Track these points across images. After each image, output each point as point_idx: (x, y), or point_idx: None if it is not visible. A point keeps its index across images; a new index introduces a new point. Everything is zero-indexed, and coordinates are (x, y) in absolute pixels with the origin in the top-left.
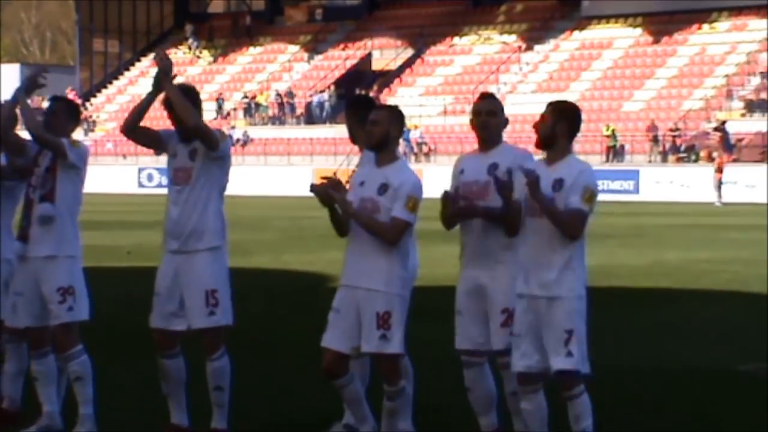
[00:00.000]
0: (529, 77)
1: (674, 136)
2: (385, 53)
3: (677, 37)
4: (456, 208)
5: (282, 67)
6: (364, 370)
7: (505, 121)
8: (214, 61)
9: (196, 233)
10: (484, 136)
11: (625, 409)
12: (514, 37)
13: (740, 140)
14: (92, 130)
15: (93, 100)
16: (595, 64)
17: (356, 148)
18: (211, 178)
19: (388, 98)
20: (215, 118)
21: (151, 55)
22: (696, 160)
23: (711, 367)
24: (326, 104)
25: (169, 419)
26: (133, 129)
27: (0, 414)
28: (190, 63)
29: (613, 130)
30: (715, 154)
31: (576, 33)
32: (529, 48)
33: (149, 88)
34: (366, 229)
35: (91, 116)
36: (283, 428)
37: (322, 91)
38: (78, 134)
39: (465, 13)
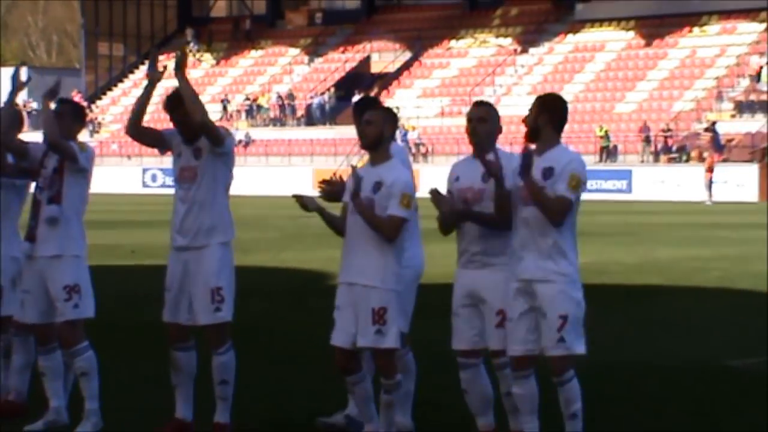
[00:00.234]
0: (523, 79)
1: (666, 137)
2: (384, 56)
3: (668, 40)
4: (451, 210)
5: (283, 70)
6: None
7: (499, 129)
8: (217, 63)
9: (202, 230)
10: (477, 143)
11: (619, 404)
12: (509, 40)
13: (730, 140)
14: (97, 132)
15: (98, 102)
16: (588, 66)
17: (357, 148)
18: (216, 176)
19: (387, 100)
20: (220, 119)
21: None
22: (687, 160)
23: (701, 362)
24: (326, 106)
25: (173, 413)
26: (137, 129)
27: (7, 406)
28: (192, 66)
29: (606, 131)
30: (705, 154)
31: (570, 36)
32: (524, 51)
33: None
34: (367, 222)
35: (96, 118)
36: (281, 423)
37: (322, 93)
38: (83, 136)
39: (461, 17)
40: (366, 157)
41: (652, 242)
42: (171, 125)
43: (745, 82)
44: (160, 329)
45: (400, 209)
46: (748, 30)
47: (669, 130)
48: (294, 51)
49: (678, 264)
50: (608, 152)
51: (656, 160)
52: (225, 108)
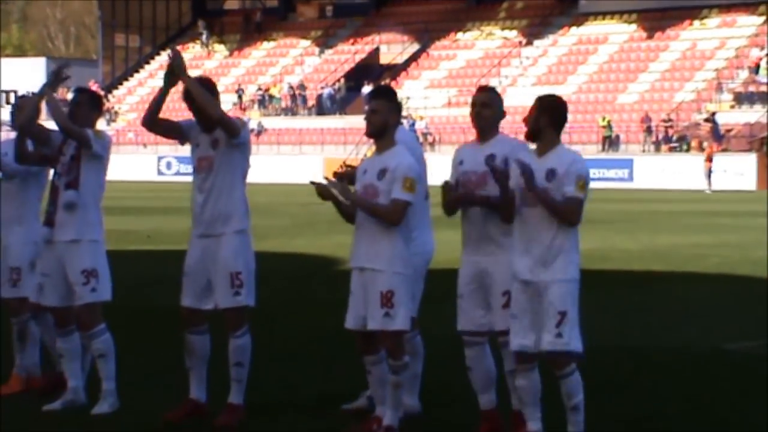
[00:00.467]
0: (529, 71)
1: (667, 127)
2: (392, 48)
3: (670, 32)
4: (455, 195)
5: (294, 61)
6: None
7: (502, 114)
8: (230, 55)
9: (221, 218)
10: (481, 127)
11: (619, 387)
12: (514, 32)
13: (729, 131)
14: (114, 121)
15: (115, 92)
16: (591, 58)
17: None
18: (233, 165)
19: (396, 91)
20: (231, 108)
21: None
22: (687, 150)
23: (700, 345)
24: (336, 96)
25: (188, 394)
26: (153, 122)
27: (49, 381)
28: (207, 57)
29: (608, 121)
30: (705, 144)
31: (573, 29)
32: (529, 43)
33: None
34: (368, 213)
35: (113, 107)
36: (293, 404)
37: (332, 84)
38: (101, 124)
39: (468, 10)
40: (367, 146)
41: (653, 229)
42: (187, 116)
43: (744, 74)
44: (175, 312)
45: (402, 193)
46: (747, 23)
47: (670, 120)
48: (305, 43)
49: (678, 251)
50: (611, 142)
51: (657, 149)
52: (240, 98)
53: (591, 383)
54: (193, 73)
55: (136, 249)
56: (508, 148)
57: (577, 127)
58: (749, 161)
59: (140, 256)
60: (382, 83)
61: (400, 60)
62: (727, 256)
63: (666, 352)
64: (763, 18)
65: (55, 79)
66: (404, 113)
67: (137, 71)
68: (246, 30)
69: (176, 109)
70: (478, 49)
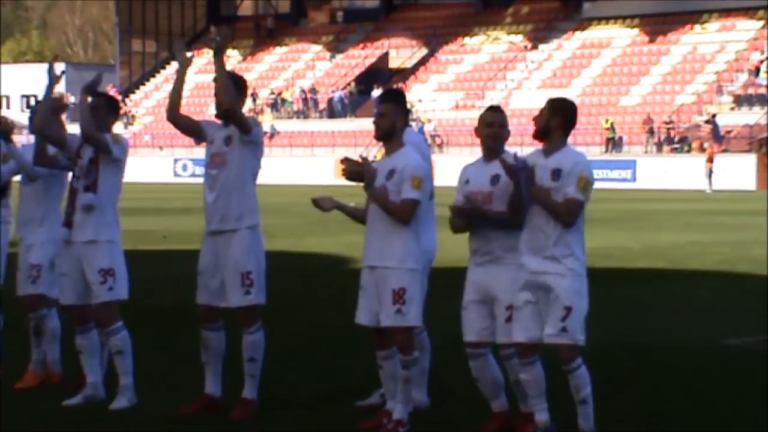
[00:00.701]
0: (534, 74)
1: (668, 129)
2: (401, 52)
3: (671, 36)
4: (464, 208)
5: (306, 65)
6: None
7: (507, 132)
8: (243, 59)
9: (232, 214)
10: (494, 147)
11: (622, 381)
12: (520, 37)
13: (729, 132)
14: (131, 124)
15: (132, 96)
16: (595, 62)
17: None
18: (245, 163)
19: (404, 94)
20: (246, 112)
21: (187, 54)
22: (688, 151)
23: (700, 341)
24: (347, 100)
25: (203, 389)
26: (176, 114)
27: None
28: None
29: (611, 123)
30: (706, 145)
31: (577, 33)
32: (534, 47)
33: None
34: (381, 207)
35: (130, 111)
36: (305, 398)
37: (343, 88)
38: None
39: (475, 15)
40: (377, 148)
41: (655, 228)
42: (203, 116)
43: (744, 77)
44: (191, 310)
45: (411, 192)
46: (746, 27)
47: (671, 122)
48: (316, 47)
49: (679, 248)
50: (614, 143)
51: (659, 150)
52: (254, 101)
53: (595, 377)
54: (206, 78)
55: (152, 249)
56: (512, 159)
57: (581, 129)
58: (749, 162)
59: (156, 255)
60: (394, 87)
61: (409, 64)
62: (726, 254)
63: (667, 348)
64: (762, 22)
65: (90, 87)
66: (413, 116)
67: (153, 76)
68: (258, 35)
69: (196, 104)
70: (484, 53)
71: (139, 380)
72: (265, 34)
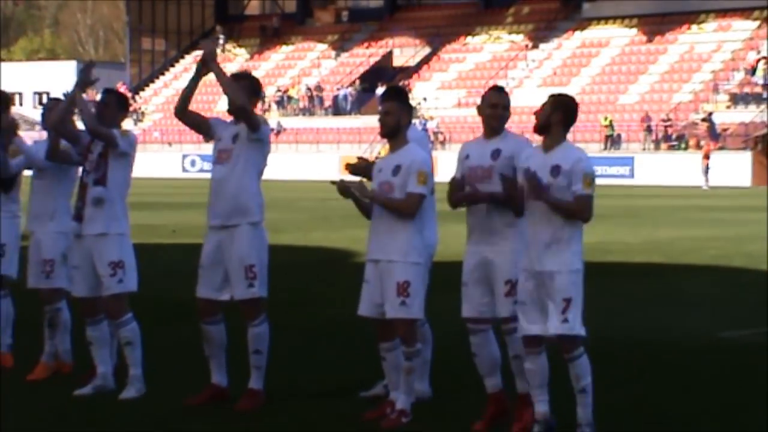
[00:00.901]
0: (534, 73)
1: (666, 126)
2: (405, 51)
3: (669, 36)
4: (461, 194)
5: (311, 64)
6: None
7: (509, 114)
8: (250, 58)
9: (236, 210)
10: (496, 127)
11: (621, 373)
12: (521, 36)
13: (725, 130)
14: (141, 121)
15: (142, 93)
16: (594, 61)
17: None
18: (251, 159)
19: (406, 91)
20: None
21: (195, 53)
22: (685, 148)
23: (697, 333)
24: (351, 97)
25: (209, 379)
26: (184, 112)
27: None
28: (228, 60)
29: (610, 121)
30: (702, 143)
31: (577, 33)
32: (535, 46)
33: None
34: (384, 208)
35: (140, 108)
36: (310, 389)
37: (347, 86)
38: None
39: (477, 15)
40: (381, 145)
41: (652, 224)
42: (211, 113)
43: (740, 76)
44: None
45: (417, 186)
46: (742, 27)
47: (669, 120)
48: (322, 46)
49: (677, 243)
50: (612, 140)
51: (657, 147)
52: (263, 99)
53: (594, 369)
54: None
55: (161, 242)
56: (513, 145)
57: (581, 126)
58: (744, 159)
59: (165, 249)
60: (396, 84)
61: (412, 63)
62: (723, 249)
63: (664, 341)
64: (758, 22)
65: (83, 81)
66: (417, 114)
67: (163, 73)
68: (265, 34)
69: (206, 101)
70: (486, 52)
71: (147, 370)
72: (271, 33)
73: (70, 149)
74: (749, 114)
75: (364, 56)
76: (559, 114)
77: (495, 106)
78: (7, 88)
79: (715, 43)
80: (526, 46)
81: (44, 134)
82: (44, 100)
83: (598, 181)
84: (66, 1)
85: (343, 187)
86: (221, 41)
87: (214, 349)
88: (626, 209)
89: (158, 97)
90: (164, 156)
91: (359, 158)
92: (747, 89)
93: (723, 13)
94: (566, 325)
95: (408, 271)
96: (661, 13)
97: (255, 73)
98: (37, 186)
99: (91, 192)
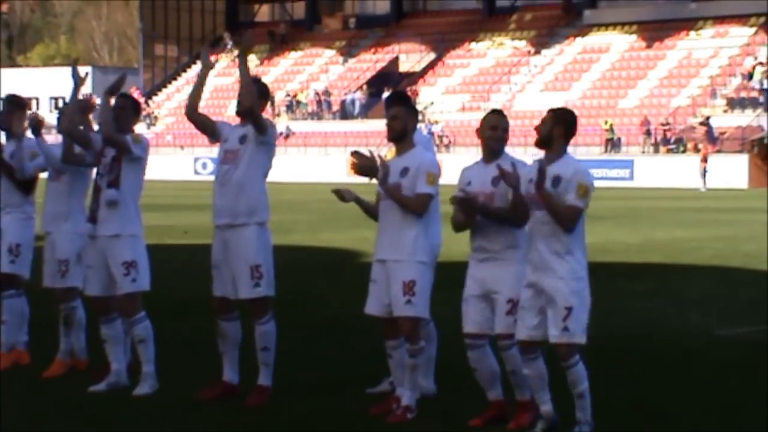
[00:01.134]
0: (536, 78)
1: (665, 130)
2: (411, 57)
3: (667, 42)
4: (473, 202)
5: (320, 69)
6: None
7: (508, 136)
8: (260, 63)
9: (240, 210)
10: (496, 149)
11: (620, 370)
12: (524, 42)
13: (723, 133)
14: (154, 124)
15: (155, 98)
16: (595, 66)
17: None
18: (257, 161)
19: (409, 96)
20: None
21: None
22: (684, 151)
23: (695, 331)
24: (359, 102)
25: (221, 376)
26: (195, 110)
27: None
28: (234, 65)
29: (610, 125)
30: (700, 146)
31: (578, 39)
32: (537, 52)
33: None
34: (397, 202)
35: (153, 112)
36: (318, 386)
37: (355, 90)
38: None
39: (481, 21)
40: (393, 148)
41: (651, 225)
42: (221, 117)
43: (737, 81)
44: (210, 300)
45: (426, 186)
46: (739, 34)
47: (667, 124)
48: (330, 52)
49: (675, 244)
50: (612, 144)
51: (656, 151)
52: (272, 103)
53: (594, 365)
54: (225, 80)
55: (173, 243)
56: (510, 166)
57: (582, 130)
58: (741, 162)
59: (178, 249)
60: (400, 89)
61: (417, 68)
62: (720, 249)
63: (662, 339)
64: (755, 29)
65: (115, 87)
66: (421, 118)
67: (175, 79)
68: (273, 41)
69: (215, 105)
70: (490, 57)
71: (160, 367)
72: (280, 39)
73: (84, 153)
74: (746, 118)
75: (371, 62)
76: (560, 128)
77: (495, 128)
78: (24, 93)
79: (712, 48)
80: (529, 51)
81: (59, 137)
82: (60, 104)
83: (599, 184)
84: (81, 8)
85: (341, 196)
86: (229, 46)
87: (228, 345)
88: (626, 211)
89: (171, 102)
90: (176, 159)
91: (355, 154)
92: (744, 94)
93: (720, 19)
94: (566, 334)
95: (414, 270)
96: (660, 19)
97: (264, 79)
98: (52, 188)
99: (104, 195)
